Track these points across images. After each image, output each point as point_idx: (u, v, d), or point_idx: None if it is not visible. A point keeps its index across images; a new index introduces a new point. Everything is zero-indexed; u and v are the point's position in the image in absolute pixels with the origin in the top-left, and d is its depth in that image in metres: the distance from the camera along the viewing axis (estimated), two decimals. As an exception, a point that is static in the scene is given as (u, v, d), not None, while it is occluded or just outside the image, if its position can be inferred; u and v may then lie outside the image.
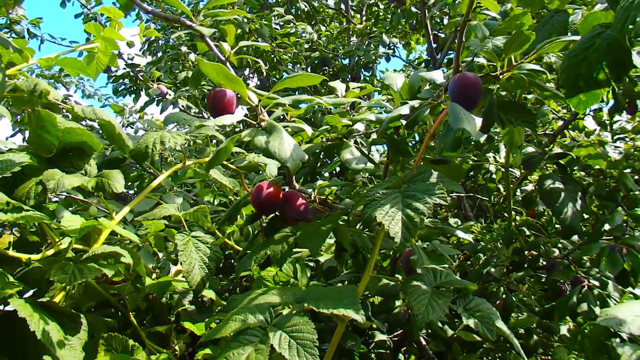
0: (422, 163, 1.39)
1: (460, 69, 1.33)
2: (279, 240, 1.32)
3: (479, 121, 1.13)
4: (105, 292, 1.61)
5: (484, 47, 1.30)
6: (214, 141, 3.86)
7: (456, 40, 1.34)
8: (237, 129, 4.70)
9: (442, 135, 1.61)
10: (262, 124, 1.25)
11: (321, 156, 1.46)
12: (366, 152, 1.52)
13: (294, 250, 1.41)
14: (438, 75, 1.39)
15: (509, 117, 1.31)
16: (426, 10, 4.07)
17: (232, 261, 2.51)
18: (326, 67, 5.82)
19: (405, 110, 1.26)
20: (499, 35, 1.47)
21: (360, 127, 1.44)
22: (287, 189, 1.51)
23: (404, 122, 1.35)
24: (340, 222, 1.44)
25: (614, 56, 1.03)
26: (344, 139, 1.45)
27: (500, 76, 1.32)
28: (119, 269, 1.60)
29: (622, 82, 1.05)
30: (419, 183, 1.16)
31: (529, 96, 2.69)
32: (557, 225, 2.62)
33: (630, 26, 0.88)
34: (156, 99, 4.35)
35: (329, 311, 1.02)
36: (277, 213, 1.51)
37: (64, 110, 1.79)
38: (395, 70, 6.32)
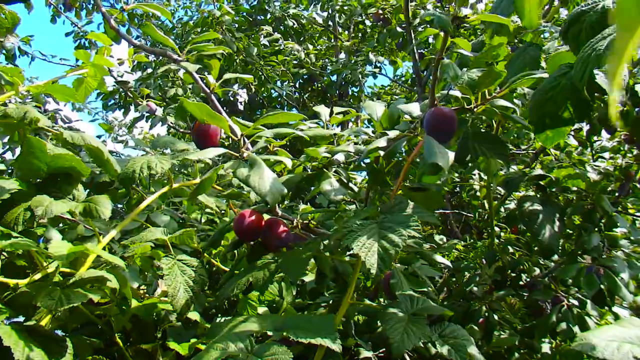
0: (400, 191, 1.43)
1: (435, 102, 1.37)
2: (261, 267, 1.36)
3: (451, 155, 1.17)
4: (91, 314, 1.63)
5: (459, 80, 1.35)
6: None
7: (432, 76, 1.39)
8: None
9: (422, 159, 1.65)
10: (245, 155, 1.29)
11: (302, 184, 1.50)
12: (345, 181, 1.55)
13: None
14: (415, 108, 1.43)
15: (482, 149, 1.35)
16: (411, 30, 4.13)
17: (220, 276, 2.52)
18: (314, 83, 5.87)
19: (382, 142, 1.30)
20: (475, 67, 1.52)
21: (340, 157, 1.47)
22: (269, 216, 1.54)
23: (382, 152, 1.39)
24: (322, 246, 1.48)
25: (578, 97, 1.07)
26: (324, 169, 1.49)
27: (475, 109, 1.37)
28: (105, 291, 1.62)
29: (586, 119, 1.10)
30: (396, 214, 1.20)
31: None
32: (539, 244, 2.66)
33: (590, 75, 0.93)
34: (145, 115, 4.38)
35: (306, 340, 1.06)
36: (259, 239, 1.55)
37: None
38: (382, 87, 6.39)
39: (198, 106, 1.21)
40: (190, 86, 4.72)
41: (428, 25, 4.66)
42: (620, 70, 0.31)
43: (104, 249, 1.60)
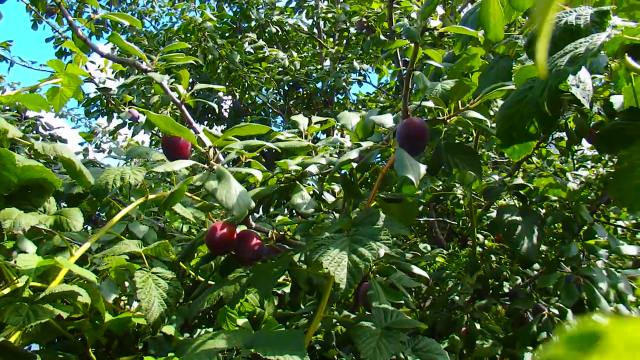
0: (375, 202, 1.42)
1: (408, 113, 1.36)
2: (232, 281, 1.34)
3: (423, 168, 1.16)
4: (63, 329, 1.61)
5: (433, 91, 1.34)
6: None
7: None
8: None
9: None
10: (214, 167, 1.27)
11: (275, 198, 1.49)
12: (319, 193, 1.54)
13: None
14: (388, 119, 1.42)
15: (455, 161, 1.34)
16: (395, 38, 4.13)
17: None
18: (299, 90, 5.86)
19: (354, 154, 1.29)
20: (451, 78, 1.51)
21: (313, 169, 1.46)
22: (243, 228, 1.52)
23: (354, 164, 1.38)
24: (296, 259, 1.46)
25: (542, 111, 1.06)
26: (297, 181, 1.47)
27: (448, 120, 1.36)
28: (78, 306, 1.59)
29: (549, 133, 1.10)
30: (367, 226, 1.19)
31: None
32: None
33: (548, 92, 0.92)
34: (128, 122, 4.33)
35: (275, 357, 1.04)
36: (232, 252, 1.52)
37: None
38: (367, 94, 6.37)
39: (163, 119, 1.19)
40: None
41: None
42: (547, 21, 0.29)
43: (82, 260, 1.58)
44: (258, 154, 1.57)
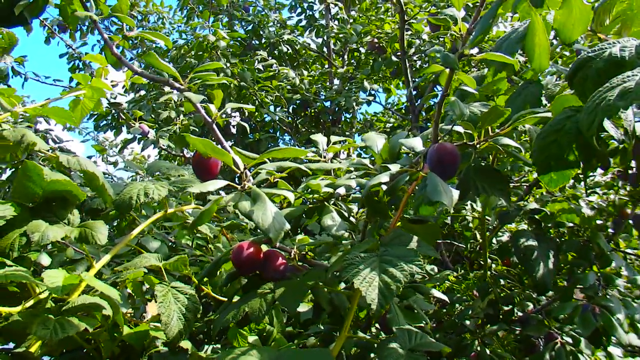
0: (399, 223, 1.43)
1: (439, 138, 1.37)
2: (258, 297, 1.34)
3: (456, 193, 1.17)
4: (81, 339, 1.60)
5: (462, 115, 1.35)
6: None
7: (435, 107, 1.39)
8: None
9: (419, 189, 1.64)
10: (246, 187, 1.28)
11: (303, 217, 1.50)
12: (346, 215, 1.55)
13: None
14: (417, 143, 1.43)
15: (484, 186, 1.35)
16: (406, 59, 4.17)
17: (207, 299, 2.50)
18: (307, 109, 5.88)
19: (384, 178, 1.30)
20: (477, 102, 1.52)
21: (341, 191, 1.47)
22: (268, 248, 1.53)
23: (384, 187, 1.38)
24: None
25: (583, 139, 1.07)
26: (325, 203, 1.48)
27: (478, 145, 1.37)
28: (97, 317, 1.60)
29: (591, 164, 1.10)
30: (396, 247, 1.19)
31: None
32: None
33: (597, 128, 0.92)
34: (137, 137, 4.34)
35: (305, 376, 1.04)
36: (257, 272, 1.53)
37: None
38: (375, 114, 6.40)
39: (202, 142, 1.20)
40: (182, 109, 4.70)
41: (423, 55, 4.73)
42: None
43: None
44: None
